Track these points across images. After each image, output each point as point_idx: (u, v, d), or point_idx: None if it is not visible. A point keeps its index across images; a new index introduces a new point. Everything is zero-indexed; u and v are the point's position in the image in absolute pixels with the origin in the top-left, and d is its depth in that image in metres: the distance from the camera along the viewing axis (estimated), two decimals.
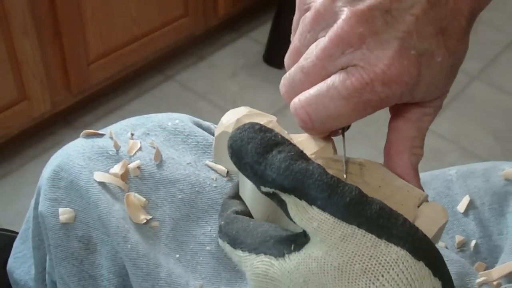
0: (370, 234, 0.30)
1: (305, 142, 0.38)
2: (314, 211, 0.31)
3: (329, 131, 0.39)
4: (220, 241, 0.36)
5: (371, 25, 0.35)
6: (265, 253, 0.33)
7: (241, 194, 0.40)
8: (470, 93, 1.96)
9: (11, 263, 0.62)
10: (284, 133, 0.37)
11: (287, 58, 0.40)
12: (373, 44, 0.35)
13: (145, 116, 0.60)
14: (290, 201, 0.32)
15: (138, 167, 0.54)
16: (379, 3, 0.35)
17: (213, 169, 0.56)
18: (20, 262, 0.61)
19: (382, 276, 0.30)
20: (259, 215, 0.38)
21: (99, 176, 0.53)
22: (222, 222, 0.37)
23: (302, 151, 0.33)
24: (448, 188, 0.61)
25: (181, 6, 1.83)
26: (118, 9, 1.65)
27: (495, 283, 0.52)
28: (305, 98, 0.36)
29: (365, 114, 0.36)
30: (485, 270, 0.56)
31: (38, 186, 0.57)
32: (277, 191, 0.33)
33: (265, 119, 0.38)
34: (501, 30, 2.21)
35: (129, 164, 0.54)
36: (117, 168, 0.54)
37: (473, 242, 0.58)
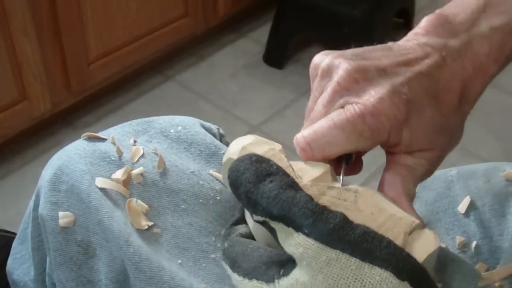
0: (354, 258, 0.32)
1: (305, 169, 0.40)
2: (300, 237, 0.33)
3: (328, 158, 0.41)
4: (223, 263, 0.39)
5: (365, 75, 0.40)
6: (257, 279, 0.35)
7: (246, 218, 0.42)
8: None
9: (10, 264, 0.62)
10: (284, 161, 0.39)
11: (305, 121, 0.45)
12: (366, 86, 0.40)
13: (147, 120, 0.60)
14: (279, 228, 0.35)
15: (141, 174, 0.54)
16: (375, 65, 0.40)
17: (217, 179, 0.56)
18: (19, 263, 0.61)
19: None
20: (261, 239, 0.40)
21: (100, 182, 0.53)
22: (226, 245, 0.39)
23: (293, 181, 0.36)
24: (449, 189, 0.61)
25: (181, 6, 1.83)
26: (118, 9, 1.65)
27: (496, 284, 0.52)
28: (305, 130, 0.41)
29: (360, 145, 0.40)
30: (486, 271, 0.55)
31: (37, 187, 0.57)
32: (267, 219, 0.35)
33: (268, 147, 0.40)
34: None
35: (132, 170, 0.54)
36: (119, 174, 0.53)
37: (474, 243, 0.58)
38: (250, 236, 0.40)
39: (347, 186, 0.39)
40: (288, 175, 0.36)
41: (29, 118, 1.56)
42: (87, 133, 0.57)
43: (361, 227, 0.33)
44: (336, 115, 0.40)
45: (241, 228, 0.41)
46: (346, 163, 0.42)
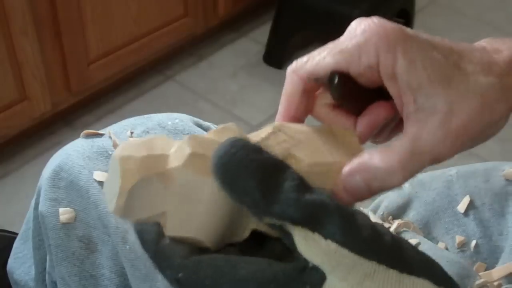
0: (391, 270, 0.29)
1: (221, 135, 0.33)
2: (331, 246, 0.28)
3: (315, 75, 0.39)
4: None
5: None
6: None
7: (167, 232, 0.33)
8: None
9: (11, 263, 0.62)
10: (206, 139, 0.33)
11: None
12: None
13: (145, 116, 0.60)
14: (300, 234, 0.29)
15: None
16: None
17: None
18: (20, 263, 0.61)
19: None
20: (217, 217, 0.32)
21: (99, 175, 0.53)
22: (181, 275, 0.29)
23: (302, 177, 0.30)
24: (449, 188, 0.61)
25: (181, 6, 1.83)
26: (118, 9, 1.65)
27: (495, 283, 0.52)
28: None
29: (346, 61, 0.37)
30: (485, 270, 0.56)
31: (38, 186, 0.57)
32: (284, 223, 0.29)
33: (174, 145, 0.33)
34: (501, 30, 2.21)
35: None
36: None
37: (473, 243, 0.58)
38: (196, 251, 0.31)
39: (262, 131, 0.35)
40: (295, 171, 0.30)
41: (29, 118, 1.56)
42: (85, 131, 0.58)
43: (386, 233, 0.29)
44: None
45: (177, 246, 0.31)
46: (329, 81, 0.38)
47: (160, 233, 0.31)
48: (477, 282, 0.52)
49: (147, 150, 0.32)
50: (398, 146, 0.35)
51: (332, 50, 0.37)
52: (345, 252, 0.28)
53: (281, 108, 0.39)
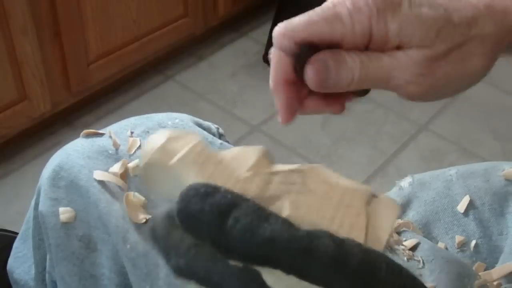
0: None
1: (239, 157, 0.35)
2: (293, 279, 0.28)
3: (307, 39, 0.39)
4: (182, 283, 0.31)
5: None
6: None
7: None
8: (470, 93, 1.95)
9: (11, 263, 0.62)
10: (213, 156, 0.34)
11: None
12: None
13: (145, 115, 0.61)
14: (265, 271, 0.29)
15: (138, 166, 0.54)
16: None
17: None
18: (20, 262, 0.61)
19: None
20: None
21: (98, 175, 0.53)
22: (182, 262, 0.31)
23: (260, 207, 0.30)
24: (448, 188, 0.61)
25: (181, 6, 1.83)
26: (118, 9, 1.65)
27: (495, 283, 0.52)
28: None
29: (338, 29, 0.38)
30: (485, 270, 0.56)
31: (38, 186, 0.57)
32: (248, 264, 0.29)
33: (191, 143, 0.35)
34: None
35: (128, 163, 0.54)
36: (116, 167, 0.54)
37: (473, 242, 0.58)
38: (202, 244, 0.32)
39: (288, 166, 0.35)
40: (252, 202, 0.30)
41: (29, 118, 1.56)
42: (85, 131, 0.58)
43: (356, 254, 0.28)
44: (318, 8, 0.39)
45: (183, 238, 0.32)
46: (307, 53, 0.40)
47: (170, 228, 0.33)
48: (477, 281, 0.52)
49: (172, 140, 0.35)
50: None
51: (322, 17, 0.38)
52: (305, 284, 0.28)
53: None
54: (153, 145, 0.35)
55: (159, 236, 0.33)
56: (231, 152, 0.35)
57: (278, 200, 0.32)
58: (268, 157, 0.35)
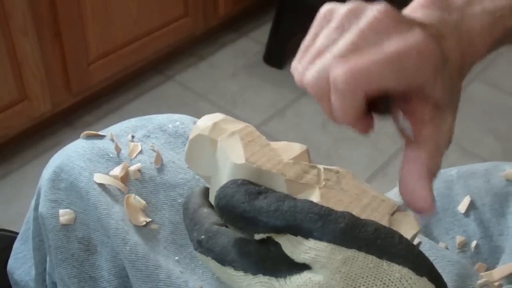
0: (371, 256, 0.31)
1: (283, 149, 0.38)
2: (311, 243, 0.32)
3: (368, 94, 0.37)
4: (201, 256, 0.35)
5: (399, 18, 0.38)
6: (264, 274, 0.33)
7: (211, 200, 0.39)
8: (470, 93, 1.96)
9: (12, 263, 0.62)
10: (262, 139, 0.38)
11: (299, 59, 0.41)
12: (398, 32, 0.37)
13: (146, 117, 0.60)
14: (284, 240, 0.32)
15: (139, 170, 0.54)
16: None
17: None
18: (21, 263, 0.61)
19: None
20: None
21: (99, 177, 0.53)
22: (203, 237, 0.35)
23: (287, 194, 0.34)
24: (449, 189, 0.61)
25: (181, 6, 1.83)
26: (118, 9, 1.65)
27: (496, 284, 0.52)
28: (344, 64, 0.36)
29: (401, 82, 0.37)
30: (486, 270, 0.56)
31: (38, 187, 0.57)
32: (272, 234, 0.33)
33: (243, 125, 0.38)
34: None
35: (129, 166, 0.54)
36: (117, 170, 0.54)
37: (474, 243, 0.58)
38: (224, 225, 0.37)
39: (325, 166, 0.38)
40: (277, 191, 0.35)
41: (29, 118, 1.56)
42: (86, 132, 0.58)
43: (370, 223, 0.32)
44: (378, 50, 0.36)
45: (211, 216, 0.37)
46: (385, 109, 0.40)
47: (201, 205, 0.38)
48: (478, 282, 0.52)
49: (225, 121, 0.39)
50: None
51: (387, 63, 0.36)
52: (324, 244, 0.31)
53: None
54: (206, 122, 0.38)
55: (189, 209, 0.38)
56: (278, 144, 0.39)
57: (311, 189, 0.35)
58: (309, 155, 0.39)
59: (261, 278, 0.33)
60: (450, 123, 0.40)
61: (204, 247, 0.35)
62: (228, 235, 0.35)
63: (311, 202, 0.33)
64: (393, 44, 0.36)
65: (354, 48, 0.37)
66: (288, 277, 0.32)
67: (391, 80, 0.36)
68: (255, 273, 0.33)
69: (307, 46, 0.40)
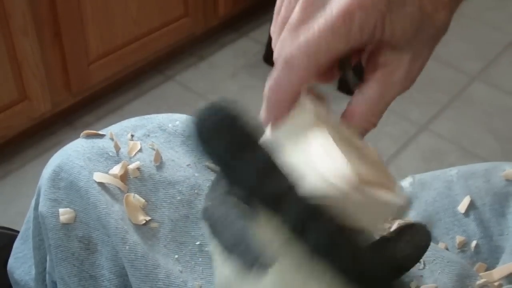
0: None
1: (369, 150, 0.40)
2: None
3: (321, 67, 0.37)
4: (203, 221, 0.36)
5: None
6: (237, 257, 0.33)
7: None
8: (470, 93, 1.96)
9: (12, 263, 0.62)
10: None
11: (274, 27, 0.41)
12: None
13: (146, 116, 0.60)
14: (262, 214, 0.32)
15: (138, 169, 0.54)
16: None
17: (213, 171, 0.56)
18: (21, 262, 0.61)
19: None
20: None
21: (98, 176, 0.53)
22: (210, 203, 0.35)
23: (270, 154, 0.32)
24: (449, 189, 0.61)
25: (181, 6, 1.83)
26: (118, 9, 1.65)
27: (496, 284, 0.52)
28: (291, 42, 0.37)
29: (349, 45, 0.36)
30: (486, 270, 0.56)
31: (38, 186, 0.57)
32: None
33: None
34: (501, 30, 2.21)
35: (128, 165, 0.54)
36: (116, 169, 0.54)
37: (473, 243, 0.58)
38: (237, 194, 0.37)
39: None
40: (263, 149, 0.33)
41: (29, 118, 1.56)
42: (85, 131, 0.58)
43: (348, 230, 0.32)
44: (322, 19, 0.36)
45: (220, 187, 0.37)
46: (342, 66, 0.39)
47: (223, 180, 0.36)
48: (478, 282, 0.52)
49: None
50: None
51: (332, 32, 0.36)
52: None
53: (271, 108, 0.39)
54: (305, 107, 0.37)
55: (214, 180, 0.38)
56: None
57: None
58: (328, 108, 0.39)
59: (234, 259, 0.33)
60: (407, 63, 0.38)
61: (205, 215, 0.35)
62: (227, 206, 0.35)
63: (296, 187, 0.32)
64: (336, 5, 0.36)
65: (304, 17, 0.37)
66: (256, 268, 0.32)
67: (341, 44, 0.36)
68: (230, 251, 0.33)
69: (276, 14, 0.41)
